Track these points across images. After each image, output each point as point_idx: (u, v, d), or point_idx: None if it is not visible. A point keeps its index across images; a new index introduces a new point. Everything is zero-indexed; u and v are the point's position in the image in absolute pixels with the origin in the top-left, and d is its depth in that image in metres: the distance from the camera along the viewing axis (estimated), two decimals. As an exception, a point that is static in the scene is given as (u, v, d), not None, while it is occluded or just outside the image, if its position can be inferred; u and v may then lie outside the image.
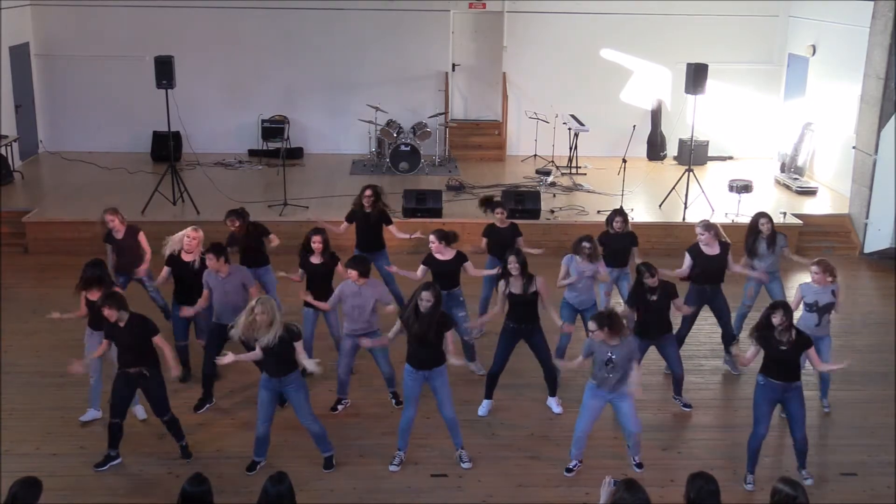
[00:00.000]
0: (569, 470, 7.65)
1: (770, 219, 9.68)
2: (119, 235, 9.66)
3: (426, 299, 7.28)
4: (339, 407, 8.65)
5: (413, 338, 7.41)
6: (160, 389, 7.52)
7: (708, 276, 9.19)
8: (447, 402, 7.58)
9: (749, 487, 7.49)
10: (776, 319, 7.13)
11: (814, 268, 8.39)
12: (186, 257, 8.83)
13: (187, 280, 8.79)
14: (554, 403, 8.73)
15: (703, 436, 8.39)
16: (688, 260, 9.23)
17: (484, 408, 8.65)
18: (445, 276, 8.98)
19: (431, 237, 9.03)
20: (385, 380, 8.74)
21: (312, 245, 8.88)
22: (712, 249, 9.18)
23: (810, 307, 8.41)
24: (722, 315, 9.33)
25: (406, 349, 7.53)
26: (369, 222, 10.20)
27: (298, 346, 7.26)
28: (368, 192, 10.17)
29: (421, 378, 7.51)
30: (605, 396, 7.40)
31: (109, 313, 7.29)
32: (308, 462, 7.68)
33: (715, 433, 8.43)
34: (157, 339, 7.49)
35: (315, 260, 8.91)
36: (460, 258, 9.10)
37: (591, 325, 7.24)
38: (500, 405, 8.70)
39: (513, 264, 8.21)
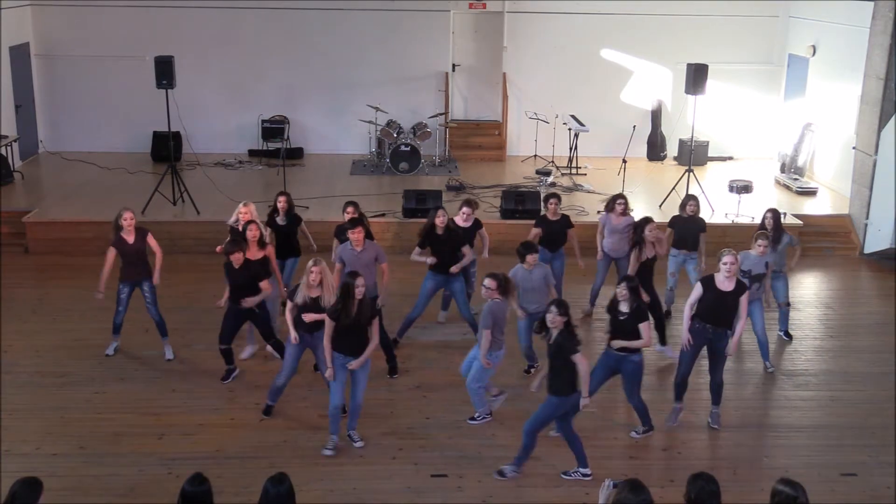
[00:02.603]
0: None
1: (775, 213, 9.95)
2: (130, 239, 9.37)
3: (360, 285, 7.53)
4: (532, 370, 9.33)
5: (344, 326, 7.59)
6: (267, 319, 9.23)
7: (714, 316, 8.11)
8: (361, 388, 7.79)
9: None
10: (620, 292, 7.78)
11: (760, 241, 9.16)
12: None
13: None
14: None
15: (703, 436, 8.38)
16: (698, 288, 8.22)
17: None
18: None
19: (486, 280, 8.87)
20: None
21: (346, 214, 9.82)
22: (728, 285, 8.10)
23: (744, 273, 9.06)
24: (717, 364, 8.31)
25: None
26: (445, 243, 9.85)
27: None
28: (441, 213, 9.85)
29: (345, 361, 7.70)
30: None
31: (237, 257, 8.69)
32: (308, 462, 7.69)
33: (715, 433, 8.41)
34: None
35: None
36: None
37: (487, 280, 8.00)
38: (500, 405, 8.68)
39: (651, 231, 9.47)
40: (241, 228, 9.48)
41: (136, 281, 9.49)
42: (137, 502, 7.16)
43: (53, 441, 7.99)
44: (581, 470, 7.53)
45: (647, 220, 9.60)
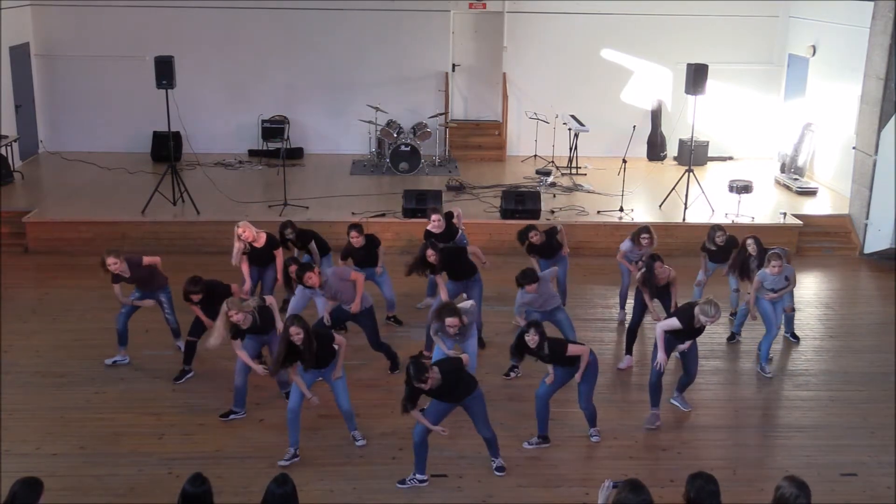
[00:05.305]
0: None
1: (756, 239, 10.01)
2: (127, 275, 9.21)
3: (295, 334, 7.39)
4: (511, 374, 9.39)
5: (307, 364, 7.58)
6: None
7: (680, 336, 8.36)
8: (341, 395, 7.79)
9: (527, 445, 8.06)
10: (529, 339, 7.64)
11: (774, 262, 9.29)
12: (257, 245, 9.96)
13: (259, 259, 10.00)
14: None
15: (704, 436, 8.38)
16: (674, 322, 8.34)
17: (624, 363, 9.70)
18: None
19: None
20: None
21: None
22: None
23: (770, 291, 9.42)
24: (689, 364, 8.57)
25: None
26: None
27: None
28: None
29: (316, 375, 7.73)
30: None
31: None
32: (308, 462, 7.68)
33: (715, 433, 8.42)
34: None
35: None
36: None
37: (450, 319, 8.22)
38: (500, 406, 8.69)
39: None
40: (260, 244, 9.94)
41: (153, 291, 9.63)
42: (137, 502, 7.17)
43: (53, 441, 7.99)
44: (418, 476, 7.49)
45: (653, 258, 9.35)
